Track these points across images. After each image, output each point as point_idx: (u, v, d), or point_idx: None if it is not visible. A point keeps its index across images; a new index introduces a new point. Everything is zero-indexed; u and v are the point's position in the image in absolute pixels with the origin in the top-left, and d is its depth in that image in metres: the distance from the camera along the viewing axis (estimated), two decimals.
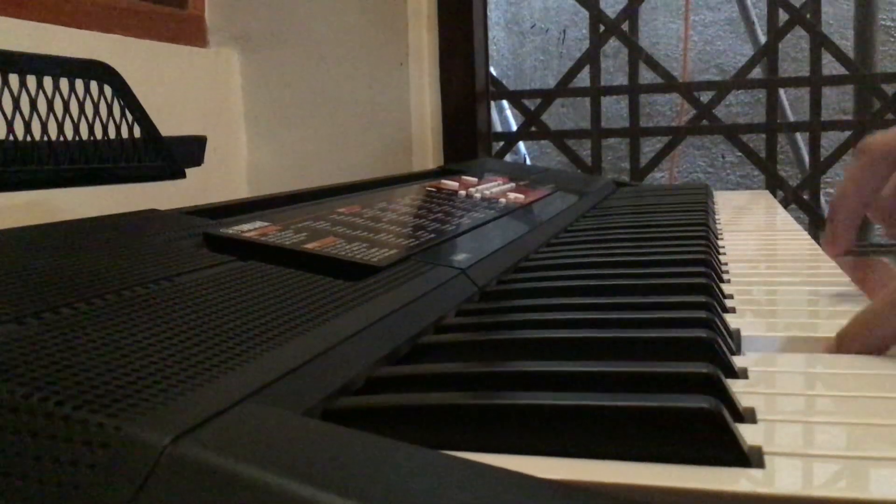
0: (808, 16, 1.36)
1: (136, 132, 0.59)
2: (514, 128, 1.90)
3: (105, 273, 0.36)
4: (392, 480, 0.20)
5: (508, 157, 1.54)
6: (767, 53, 1.41)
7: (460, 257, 0.51)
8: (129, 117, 0.58)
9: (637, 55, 1.43)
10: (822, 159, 1.38)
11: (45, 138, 0.52)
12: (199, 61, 1.26)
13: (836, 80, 1.39)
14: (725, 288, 0.51)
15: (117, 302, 0.32)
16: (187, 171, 0.65)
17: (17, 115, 0.51)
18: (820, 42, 1.36)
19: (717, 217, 0.89)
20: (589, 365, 0.30)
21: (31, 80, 0.53)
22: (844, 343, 0.37)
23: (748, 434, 0.26)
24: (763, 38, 1.60)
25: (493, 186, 0.84)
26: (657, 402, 0.25)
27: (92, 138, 0.55)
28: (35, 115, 0.53)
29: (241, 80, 1.33)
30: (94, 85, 0.57)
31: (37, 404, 0.22)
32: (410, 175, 0.92)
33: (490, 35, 1.50)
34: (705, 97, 1.41)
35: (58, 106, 0.55)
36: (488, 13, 1.48)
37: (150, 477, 0.21)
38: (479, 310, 0.44)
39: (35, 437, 0.22)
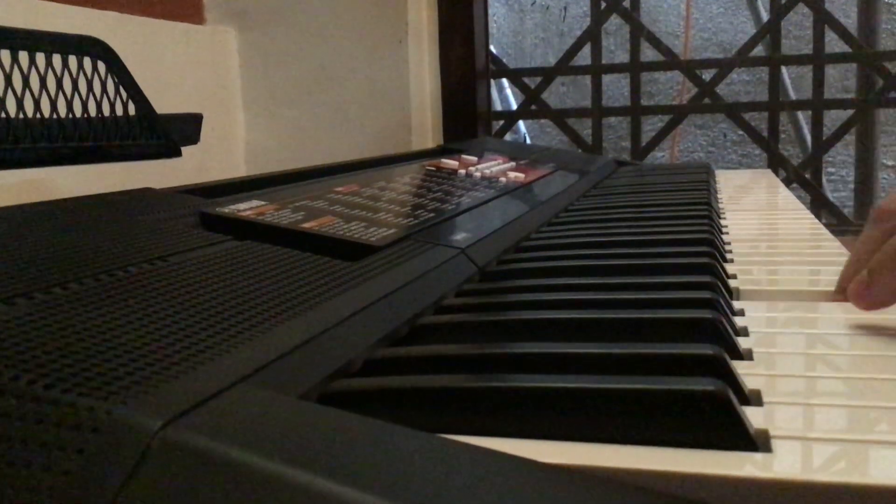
0: None
1: (132, 110, 0.58)
2: (514, 106, 1.88)
3: (98, 253, 0.35)
4: (390, 465, 0.19)
5: (508, 136, 1.52)
6: (770, 31, 1.40)
7: (460, 237, 0.50)
8: (124, 95, 0.58)
9: (639, 32, 1.41)
10: (824, 138, 1.37)
11: (39, 116, 0.51)
12: (196, 39, 1.25)
13: (838, 59, 1.38)
14: (729, 267, 0.50)
15: (110, 282, 0.32)
16: (184, 149, 0.64)
17: (10, 92, 0.51)
18: (823, 19, 1.35)
19: (718, 196, 0.88)
20: (592, 346, 0.29)
21: (24, 57, 0.52)
22: (850, 295, 0.38)
23: (754, 417, 0.25)
24: (766, 16, 1.58)
25: (493, 165, 0.83)
26: (662, 385, 0.24)
27: (86, 116, 0.54)
28: (28, 92, 0.52)
29: (239, 58, 1.31)
30: (87, 61, 0.56)
31: (25, 387, 0.22)
32: (409, 154, 0.91)
33: (490, 12, 1.49)
34: (707, 75, 1.40)
35: (51, 83, 0.54)
36: None
37: (141, 462, 0.20)
38: (480, 290, 0.43)
39: (23, 420, 0.21)
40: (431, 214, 0.54)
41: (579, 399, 0.25)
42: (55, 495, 0.20)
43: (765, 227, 0.70)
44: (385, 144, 1.27)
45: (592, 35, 1.42)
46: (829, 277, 0.48)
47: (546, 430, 0.24)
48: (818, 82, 1.35)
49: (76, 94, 0.54)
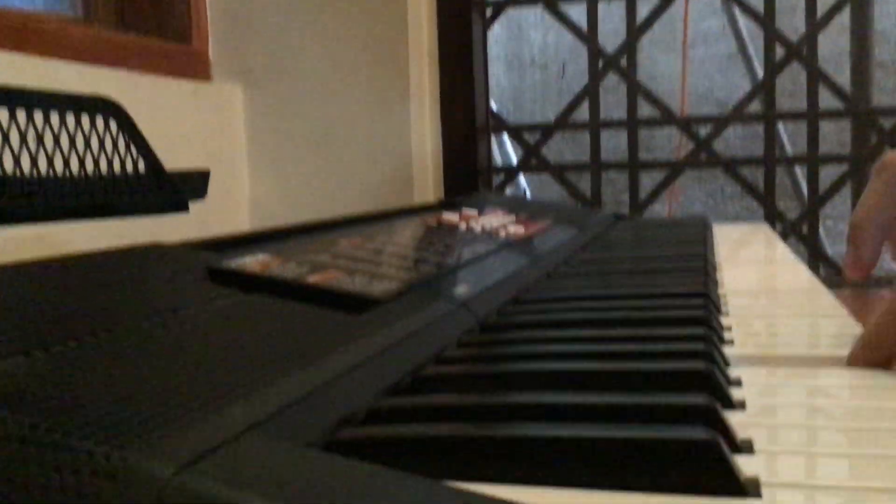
0: (804, 51, 1.38)
1: (141, 166, 0.60)
2: (514, 160, 1.91)
3: (111, 306, 0.37)
4: None
5: (508, 191, 1.55)
6: (764, 88, 1.43)
7: (461, 290, 0.51)
8: (134, 152, 0.59)
9: (635, 90, 1.44)
10: (820, 192, 1.39)
11: (52, 173, 0.53)
12: (203, 95, 1.28)
13: (833, 115, 1.41)
14: (724, 320, 0.51)
15: (123, 335, 0.33)
16: (190, 204, 0.65)
17: (24, 150, 0.52)
18: (817, 77, 1.37)
19: (715, 250, 0.90)
20: (588, 397, 0.30)
21: (38, 116, 0.54)
22: (852, 360, 0.39)
23: (746, 465, 0.26)
24: (761, 73, 1.61)
25: (494, 219, 0.84)
26: (655, 434, 0.25)
27: (97, 173, 0.56)
28: (42, 150, 0.53)
29: (244, 115, 1.34)
30: (99, 120, 0.58)
31: (44, 435, 0.23)
32: (411, 208, 0.92)
33: (490, 70, 1.52)
34: (704, 131, 1.43)
35: (64, 141, 0.56)
36: (489, 49, 1.49)
37: None
38: (480, 342, 0.44)
39: (42, 467, 0.22)
40: (433, 268, 0.55)
41: (576, 447, 0.25)
42: None
43: (761, 281, 0.71)
44: (387, 199, 1.29)
45: (590, 92, 1.45)
46: (826, 330, 0.49)
47: (544, 477, 0.25)
48: (813, 138, 1.38)
49: (88, 152, 0.56)
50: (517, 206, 1.01)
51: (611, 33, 1.79)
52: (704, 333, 0.41)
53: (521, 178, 2.12)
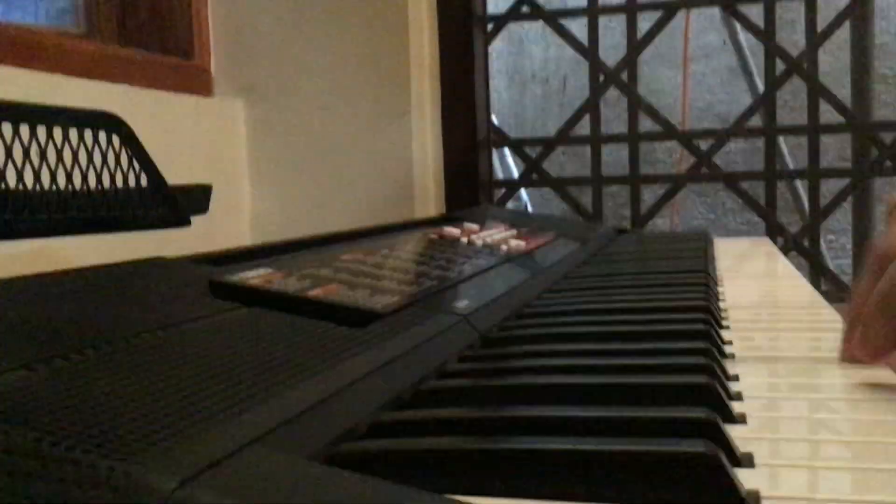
0: (805, 65, 1.39)
1: (144, 181, 0.60)
2: (516, 174, 1.92)
3: (113, 320, 0.37)
4: None
5: (510, 204, 1.55)
6: (765, 102, 1.43)
7: (462, 304, 0.51)
8: (137, 167, 0.60)
9: (636, 104, 1.45)
10: (821, 206, 1.39)
11: (55, 188, 0.53)
12: (205, 110, 1.28)
13: (833, 129, 1.41)
14: (725, 334, 0.51)
15: (126, 348, 0.33)
16: (192, 218, 0.66)
17: (27, 165, 0.53)
18: (817, 91, 1.38)
19: (716, 264, 0.90)
20: (589, 410, 0.31)
21: (42, 131, 0.54)
22: (846, 356, 0.39)
23: (746, 479, 0.26)
24: (762, 87, 1.62)
25: (495, 233, 0.85)
26: (655, 447, 0.25)
27: (100, 187, 0.56)
28: (45, 165, 0.54)
29: (246, 130, 1.34)
30: (102, 135, 0.59)
31: (47, 448, 0.23)
32: (413, 222, 0.92)
33: (491, 84, 1.53)
34: (704, 145, 1.43)
35: (67, 156, 0.56)
36: (490, 63, 1.50)
37: None
38: (481, 356, 0.44)
39: (46, 481, 0.22)
40: (434, 282, 0.55)
41: (577, 460, 0.26)
42: None
43: (762, 295, 0.71)
44: (389, 213, 1.29)
45: (591, 106, 1.45)
46: (827, 344, 0.49)
47: (545, 491, 0.25)
48: (814, 152, 1.38)
49: (91, 166, 0.56)
50: (519, 221, 1.01)
51: (611, 48, 1.79)
52: (705, 347, 0.41)
53: (523, 193, 2.12)
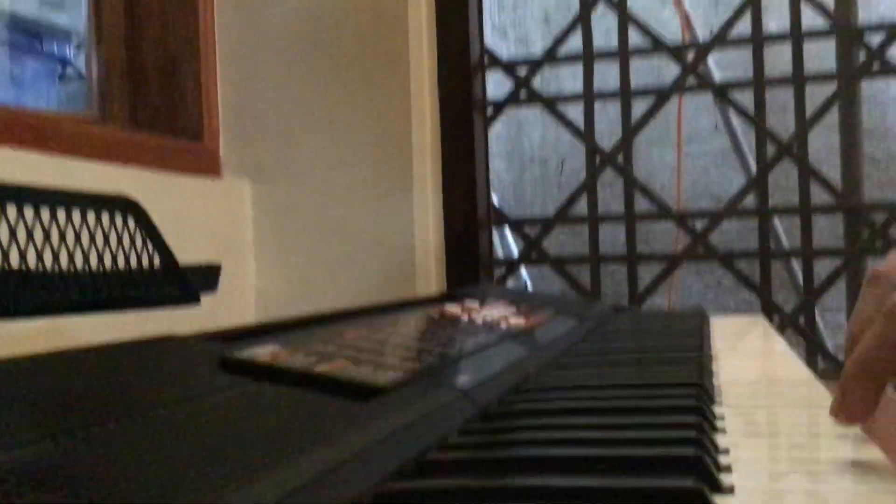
0: (795, 148, 1.43)
1: (156, 261, 0.62)
2: (515, 251, 1.94)
3: (128, 394, 0.38)
4: None
5: (510, 283, 1.57)
6: (758, 184, 1.47)
7: (463, 379, 0.53)
8: (150, 247, 0.62)
9: (632, 185, 1.48)
10: (816, 284, 1.41)
11: (73, 268, 0.55)
12: (213, 191, 1.32)
13: (825, 209, 1.44)
14: (717, 409, 0.53)
15: (143, 422, 0.34)
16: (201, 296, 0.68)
17: (47, 246, 0.55)
18: (808, 173, 1.42)
19: (712, 342, 0.91)
20: (584, 480, 0.32)
21: (61, 213, 0.57)
22: (847, 390, 0.40)
23: None
24: (755, 168, 1.66)
25: (495, 311, 0.87)
26: None
27: (115, 267, 0.59)
28: (63, 246, 0.56)
29: (253, 210, 1.38)
30: (118, 217, 0.61)
31: None
32: (415, 300, 0.94)
33: (491, 166, 1.56)
34: (700, 224, 1.46)
35: (84, 237, 0.58)
36: (490, 145, 1.54)
37: None
38: (481, 429, 0.46)
39: None
40: (436, 358, 0.57)
41: None
42: None
43: (757, 372, 0.73)
44: (390, 290, 1.32)
45: (588, 187, 1.49)
46: (823, 420, 0.51)
47: None
48: (806, 232, 1.41)
49: (107, 247, 0.59)
50: (518, 298, 1.03)
51: (607, 131, 1.84)
52: (695, 421, 0.43)
53: (523, 271, 2.14)
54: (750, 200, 1.50)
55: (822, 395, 0.59)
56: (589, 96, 1.50)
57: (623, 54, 1.49)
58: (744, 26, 1.49)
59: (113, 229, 0.60)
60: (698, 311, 1.19)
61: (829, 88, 1.45)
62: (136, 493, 0.26)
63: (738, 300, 2.30)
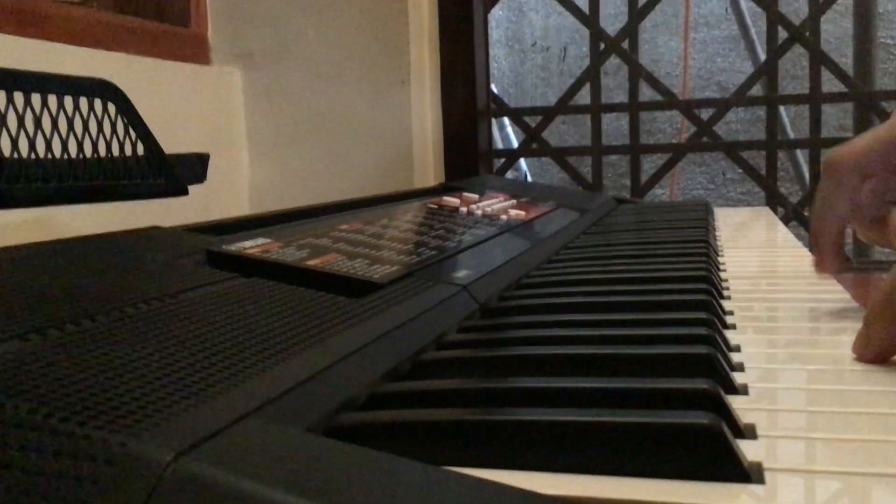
0: (807, 33, 1.37)
1: (140, 150, 0.59)
2: (516, 144, 1.91)
3: (108, 290, 0.36)
4: (395, 497, 0.20)
5: (510, 174, 1.54)
6: (767, 71, 1.42)
7: (461, 274, 0.51)
8: (133, 135, 0.59)
9: (637, 73, 1.43)
10: None
11: (50, 156, 0.52)
12: (202, 79, 1.27)
13: (835, 98, 1.40)
14: (726, 304, 0.51)
15: (120, 319, 0.32)
16: (189, 187, 0.65)
17: (22, 133, 0.52)
18: (819, 59, 1.37)
19: (717, 234, 0.89)
20: (589, 381, 0.30)
21: (36, 99, 0.54)
22: (853, 351, 0.38)
23: (748, 450, 0.26)
24: (763, 56, 1.60)
25: (495, 203, 0.84)
26: (657, 419, 0.25)
27: (96, 156, 0.56)
28: (40, 133, 0.53)
29: (244, 99, 1.33)
30: (98, 103, 0.58)
31: (42, 420, 0.23)
32: (412, 192, 0.92)
33: (491, 53, 1.51)
34: (706, 114, 1.42)
35: (62, 124, 0.55)
36: (490, 32, 1.49)
37: (153, 493, 0.21)
38: (481, 326, 0.44)
39: (40, 453, 0.22)
40: (433, 252, 0.55)
41: (576, 432, 0.25)
42: None
43: (763, 265, 0.71)
44: (387, 182, 1.29)
45: (592, 75, 1.44)
46: (828, 315, 0.49)
47: (543, 462, 0.25)
48: (815, 121, 1.37)
49: (87, 135, 0.56)
50: (518, 190, 1.01)
51: (612, 16, 1.78)
52: (706, 318, 0.41)
53: (522, 162, 2.11)
54: (756, 91, 1.45)
55: (830, 287, 0.57)
56: None
57: None
58: None
59: (93, 115, 0.57)
60: (703, 203, 1.16)
61: None
62: (108, 397, 0.25)
63: (741, 192, 2.28)
